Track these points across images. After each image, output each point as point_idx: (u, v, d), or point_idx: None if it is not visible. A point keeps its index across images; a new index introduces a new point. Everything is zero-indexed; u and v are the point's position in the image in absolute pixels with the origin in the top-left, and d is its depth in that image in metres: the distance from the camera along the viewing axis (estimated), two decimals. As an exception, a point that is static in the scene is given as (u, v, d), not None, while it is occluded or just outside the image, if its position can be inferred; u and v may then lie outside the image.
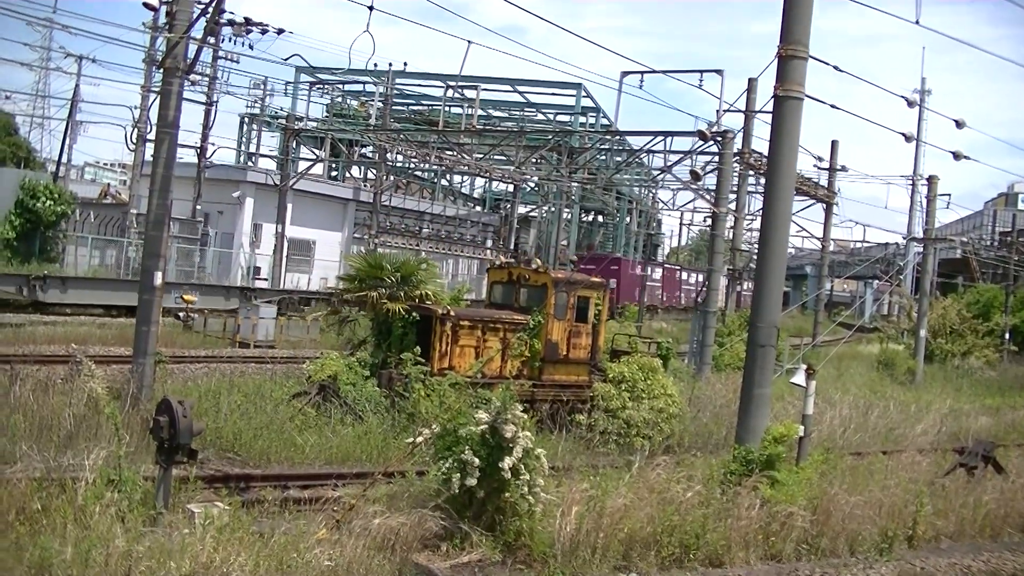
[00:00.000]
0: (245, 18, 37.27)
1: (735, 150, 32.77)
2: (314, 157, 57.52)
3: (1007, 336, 50.84)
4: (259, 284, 44.20)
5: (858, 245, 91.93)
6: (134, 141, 42.62)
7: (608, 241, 79.71)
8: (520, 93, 64.86)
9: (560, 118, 68.65)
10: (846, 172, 48.18)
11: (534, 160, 50.83)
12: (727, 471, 14.32)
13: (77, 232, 44.13)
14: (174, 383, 20.22)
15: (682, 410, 20.82)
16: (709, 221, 38.89)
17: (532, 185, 63.25)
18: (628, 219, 77.18)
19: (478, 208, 75.16)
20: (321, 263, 49.91)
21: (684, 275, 78.76)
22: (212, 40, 35.75)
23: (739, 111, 35.03)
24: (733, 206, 39.94)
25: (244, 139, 62.77)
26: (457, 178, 75.93)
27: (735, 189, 38.98)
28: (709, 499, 13.17)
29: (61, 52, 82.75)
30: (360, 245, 50.53)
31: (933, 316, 45.62)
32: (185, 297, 35.52)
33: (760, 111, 29.92)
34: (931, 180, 41.89)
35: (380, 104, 55.87)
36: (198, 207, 45.02)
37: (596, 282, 22.47)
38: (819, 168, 47.99)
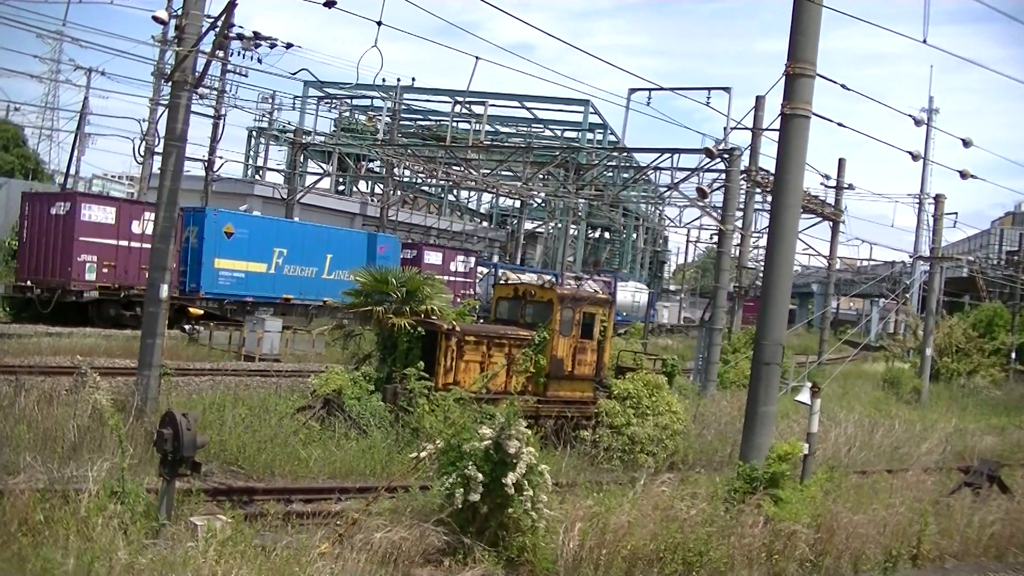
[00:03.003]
0: (254, 32, 37.05)
1: (742, 167, 32.86)
2: (321, 171, 57.74)
3: (1013, 355, 50.67)
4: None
5: (864, 263, 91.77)
6: (142, 154, 42.66)
7: (615, 258, 79.73)
8: (528, 109, 65.08)
9: (567, 134, 68.88)
10: (853, 190, 48.26)
11: (541, 176, 50.99)
12: (731, 489, 14.29)
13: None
14: (179, 396, 20.21)
15: (687, 427, 20.77)
16: (715, 238, 38.87)
17: (539, 201, 63.36)
18: (635, 236, 77.28)
19: (485, 223, 75.25)
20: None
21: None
22: (221, 54, 35.77)
23: (746, 129, 35.18)
24: (739, 223, 39.98)
25: (252, 153, 63.05)
26: (464, 193, 76.11)
27: (742, 206, 39.07)
28: (713, 517, 13.13)
29: (70, 64, 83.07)
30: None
31: (939, 335, 45.48)
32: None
33: (767, 129, 29.95)
34: (938, 199, 41.85)
35: (388, 119, 56.15)
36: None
37: (602, 299, 22.46)
38: (826, 186, 48.05)
